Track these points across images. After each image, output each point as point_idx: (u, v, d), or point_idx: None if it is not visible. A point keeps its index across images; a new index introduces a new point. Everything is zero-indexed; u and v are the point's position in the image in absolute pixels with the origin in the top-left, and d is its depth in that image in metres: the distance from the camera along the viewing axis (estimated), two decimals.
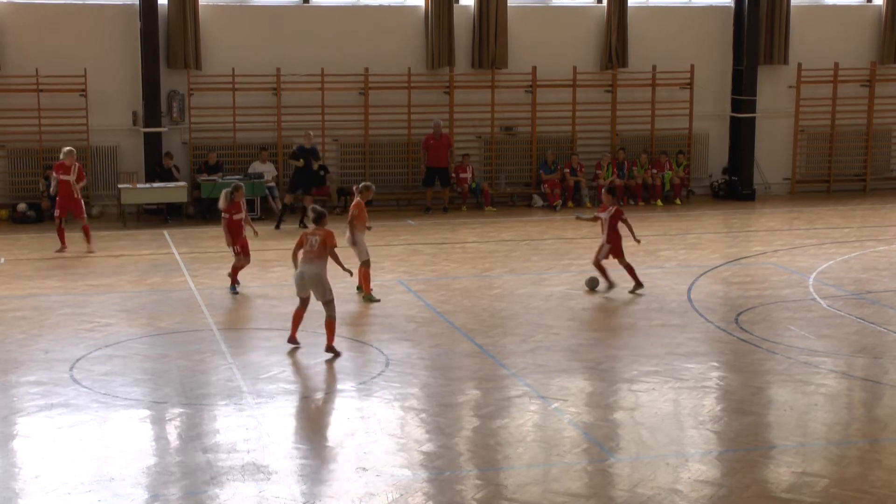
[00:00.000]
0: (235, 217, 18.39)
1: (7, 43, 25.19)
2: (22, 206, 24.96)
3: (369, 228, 18.21)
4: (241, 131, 26.54)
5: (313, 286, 14.97)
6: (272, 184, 26.01)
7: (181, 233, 23.80)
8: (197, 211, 25.82)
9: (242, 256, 18.49)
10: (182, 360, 14.64)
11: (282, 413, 12.72)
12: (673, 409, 12.99)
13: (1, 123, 25.31)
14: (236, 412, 12.65)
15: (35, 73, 25.15)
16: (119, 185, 25.08)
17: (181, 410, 12.81)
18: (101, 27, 25.85)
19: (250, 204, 25.48)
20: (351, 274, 15.89)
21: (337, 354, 14.82)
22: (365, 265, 17.98)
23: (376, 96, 27.15)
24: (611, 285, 18.28)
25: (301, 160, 24.45)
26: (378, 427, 12.28)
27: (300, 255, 15.14)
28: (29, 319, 16.61)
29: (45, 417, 12.47)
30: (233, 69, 26.17)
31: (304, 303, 15.24)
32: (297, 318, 15.27)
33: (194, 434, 12.09)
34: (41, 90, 25.29)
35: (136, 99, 25.92)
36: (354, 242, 18.02)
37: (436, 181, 26.72)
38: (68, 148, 21.91)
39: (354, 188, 18.75)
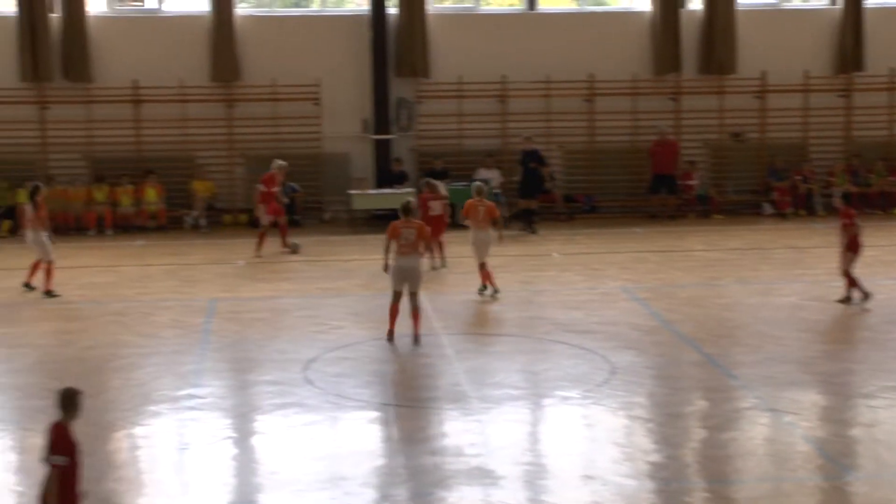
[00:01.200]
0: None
1: (246, 53, 26.17)
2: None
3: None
4: (466, 138, 26.84)
5: (411, 278, 15.37)
6: (498, 190, 26.17)
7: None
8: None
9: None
10: (409, 364, 14.90)
11: (507, 418, 12.78)
12: None
13: (240, 132, 26.32)
14: (462, 416, 12.77)
15: (272, 83, 26.06)
16: (350, 191, 25.71)
17: (409, 413, 13.03)
18: (333, 37, 26.59)
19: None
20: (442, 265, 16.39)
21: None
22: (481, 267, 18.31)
23: (601, 102, 27.02)
24: (866, 296, 17.47)
25: (522, 166, 24.65)
26: (604, 435, 12.21)
27: (393, 248, 15.53)
28: (265, 321, 17.21)
29: (281, 416, 12.88)
30: (459, 77, 26.49)
31: (398, 297, 15.54)
32: (395, 313, 15.56)
33: (422, 437, 12.27)
34: (278, 99, 26.18)
35: (366, 107, 26.54)
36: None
37: (662, 188, 26.40)
38: (282, 162, 22.66)
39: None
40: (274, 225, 22.44)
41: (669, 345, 15.60)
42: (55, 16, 25.68)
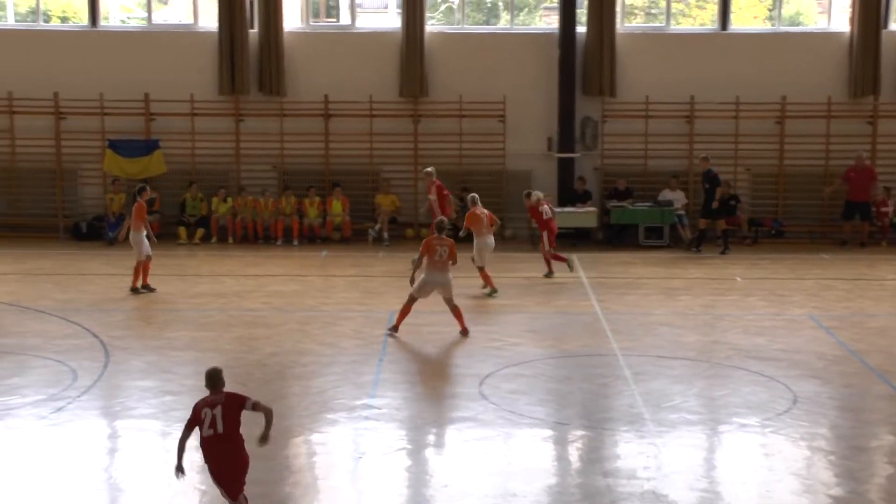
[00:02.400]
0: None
1: (434, 70, 26.50)
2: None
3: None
4: (651, 158, 26.57)
5: (441, 287, 16.86)
6: (682, 212, 25.84)
7: (589, 257, 24.09)
8: (605, 236, 26.06)
9: None
10: (585, 383, 14.80)
11: (683, 443, 12.56)
12: None
13: (424, 147, 26.63)
14: (637, 439, 12.61)
15: (459, 100, 26.31)
16: None
17: (583, 433, 12.94)
18: (521, 55, 26.70)
19: (659, 231, 25.46)
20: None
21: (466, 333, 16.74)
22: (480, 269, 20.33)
23: (793, 125, 26.39)
24: None
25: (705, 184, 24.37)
26: (783, 466, 11.88)
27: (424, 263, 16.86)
28: (443, 335, 17.34)
29: (455, 430, 12.95)
30: (646, 96, 26.26)
31: (414, 301, 17.02)
32: (407, 313, 17.01)
33: (595, 457, 12.17)
34: (463, 116, 26.42)
35: (551, 125, 26.54)
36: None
37: (855, 215, 25.60)
38: (429, 168, 23.39)
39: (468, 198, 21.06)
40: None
41: (856, 376, 15.09)
42: (253, 31, 26.49)
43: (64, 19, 28.66)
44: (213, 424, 10.04)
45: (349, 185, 26.49)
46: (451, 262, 17.02)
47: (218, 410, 10.05)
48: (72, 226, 26.52)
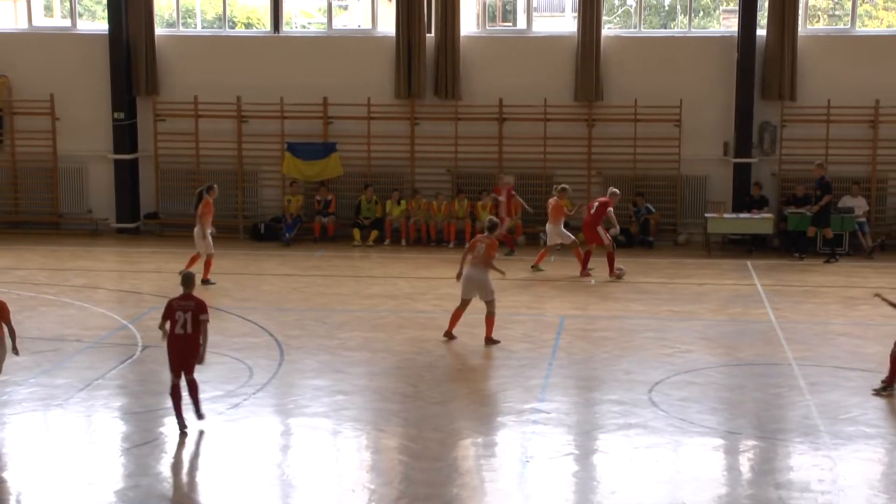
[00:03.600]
0: None
1: (609, 74, 26.32)
2: (613, 231, 25.93)
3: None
4: (833, 164, 25.83)
5: (479, 288, 16.75)
6: (863, 219, 25.09)
7: (765, 264, 23.60)
8: (782, 243, 25.48)
9: None
10: (758, 393, 14.52)
11: (860, 457, 12.22)
12: None
13: (599, 151, 26.50)
14: (812, 451, 12.33)
15: (634, 104, 26.11)
16: (706, 214, 25.35)
17: (755, 443, 12.71)
18: (697, 59, 26.30)
19: (840, 239, 24.77)
20: (504, 274, 17.46)
21: (495, 342, 16.67)
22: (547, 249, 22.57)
23: None
24: None
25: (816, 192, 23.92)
26: None
27: (469, 258, 17.00)
28: (613, 340, 17.25)
29: (623, 436, 12.87)
30: (828, 101, 25.58)
31: (465, 304, 16.99)
32: (457, 317, 17.07)
33: (767, 469, 11.94)
34: (639, 120, 26.20)
35: (727, 129, 26.10)
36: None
37: None
38: (507, 177, 24.46)
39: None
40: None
41: None
42: (430, 36, 26.79)
43: (248, 25, 29.52)
44: (184, 325, 12.66)
45: (523, 189, 26.51)
46: (488, 260, 16.83)
47: (189, 315, 12.66)
48: (251, 226, 27.26)
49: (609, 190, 22.99)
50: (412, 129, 27.07)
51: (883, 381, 14.41)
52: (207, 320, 12.83)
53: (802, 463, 12.02)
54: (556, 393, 14.56)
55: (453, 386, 14.96)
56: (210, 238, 21.22)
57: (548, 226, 22.83)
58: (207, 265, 21.14)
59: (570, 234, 22.75)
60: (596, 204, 22.49)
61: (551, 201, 22.80)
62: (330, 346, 16.77)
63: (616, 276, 21.97)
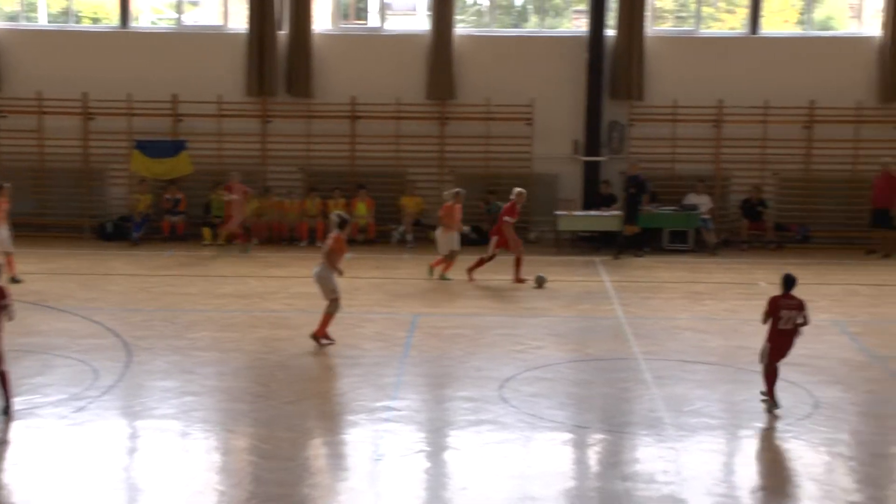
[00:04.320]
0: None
1: (462, 72, 26.51)
2: (465, 228, 26.07)
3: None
4: (678, 162, 26.49)
5: (320, 284, 16.56)
6: (707, 216, 25.75)
7: (613, 261, 24.03)
8: (630, 240, 25.94)
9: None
10: (606, 388, 14.77)
11: (703, 448, 12.52)
12: None
13: (451, 150, 26.67)
14: (657, 443, 12.58)
15: (486, 103, 26.31)
16: (556, 212, 25.71)
17: (602, 437, 12.91)
18: (549, 58, 26.67)
19: (684, 235, 25.38)
20: (341, 273, 16.70)
21: (326, 342, 16.44)
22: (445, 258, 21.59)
23: (821, 130, 26.25)
24: None
25: (625, 191, 24.52)
26: (803, 471, 11.84)
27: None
28: (466, 337, 17.35)
29: (474, 432, 12.95)
30: (674, 100, 26.19)
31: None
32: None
33: (614, 461, 12.15)
34: (490, 119, 26.42)
35: (577, 128, 26.51)
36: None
37: (880, 223, 25.33)
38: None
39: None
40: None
41: (879, 382, 15.02)
42: (282, 33, 26.58)
43: (95, 20, 28.85)
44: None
45: (374, 187, 26.55)
46: (332, 257, 16.44)
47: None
48: (97, 226, 26.67)
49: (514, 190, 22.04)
50: (264, 127, 26.83)
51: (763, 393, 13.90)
52: (5, 306, 12.96)
53: (648, 455, 12.26)
54: (409, 391, 14.58)
55: (305, 385, 14.87)
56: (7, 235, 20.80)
57: (437, 231, 22.02)
58: (9, 263, 20.57)
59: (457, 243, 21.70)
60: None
61: (444, 206, 21.88)
62: (179, 347, 16.50)
63: (521, 281, 21.48)
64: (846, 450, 12.49)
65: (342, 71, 26.66)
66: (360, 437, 12.91)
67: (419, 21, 28.47)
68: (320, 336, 16.51)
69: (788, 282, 13.68)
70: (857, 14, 27.21)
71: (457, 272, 21.75)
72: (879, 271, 23.21)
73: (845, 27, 28.06)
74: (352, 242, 25.53)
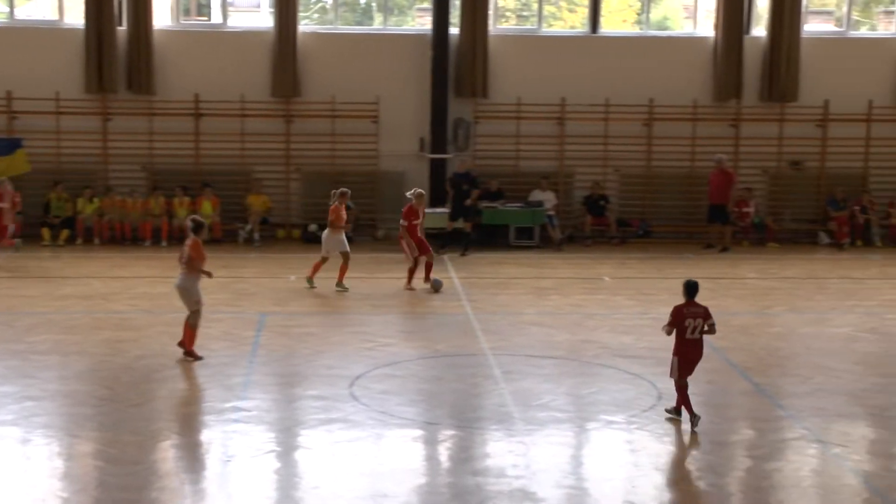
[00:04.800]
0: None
1: (307, 70, 26.38)
2: (313, 227, 26.02)
3: None
4: (523, 159, 26.84)
5: (181, 296, 15.72)
6: (552, 212, 26.15)
7: (460, 258, 24.23)
8: (477, 237, 26.20)
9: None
10: (456, 383, 14.88)
11: (551, 441, 12.71)
12: None
13: (297, 147, 26.52)
14: (506, 437, 12.73)
15: (332, 100, 26.24)
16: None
17: (453, 433, 13.00)
18: (394, 56, 26.73)
19: (530, 232, 25.75)
20: (210, 275, 15.85)
21: (194, 358, 15.52)
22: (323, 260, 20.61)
23: (660, 128, 26.91)
24: None
25: (453, 188, 24.79)
26: (647, 462, 12.11)
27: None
28: (315, 336, 17.28)
29: (325, 431, 12.91)
30: (518, 98, 26.52)
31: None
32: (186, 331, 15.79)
33: (464, 457, 12.25)
34: (336, 116, 26.35)
35: (423, 126, 26.63)
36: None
37: (717, 218, 26.07)
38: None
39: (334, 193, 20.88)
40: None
41: (719, 372, 15.45)
42: (122, 29, 26.03)
43: None
44: None
45: (220, 186, 26.23)
46: (192, 264, 15.55)
47: None
48: None
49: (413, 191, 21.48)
50: (104, 124, 26.25)
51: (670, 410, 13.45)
52: None
53: (498, 450, 12.40)
54: (258, 390, 14.45)
55: (151, 387, 14.60)
56: None
57: (325, 233, 20.86)
58: None
59: (346, 244, 20.68)
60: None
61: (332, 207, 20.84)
62: (18, 351, 16.03)
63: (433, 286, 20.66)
64: (688, 439, 12.84)
65: (185, 68, 26.26)
66: (209, 439, 12.76)
67: (262, 18, 28.21)
68: (189, 351, 15.70)
69: (691, 288, 13.14)
70: (692, 15, 27.97)
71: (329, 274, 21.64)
72: (718, 265, 23.91)
73: (680, 28, 28.83)
74: None
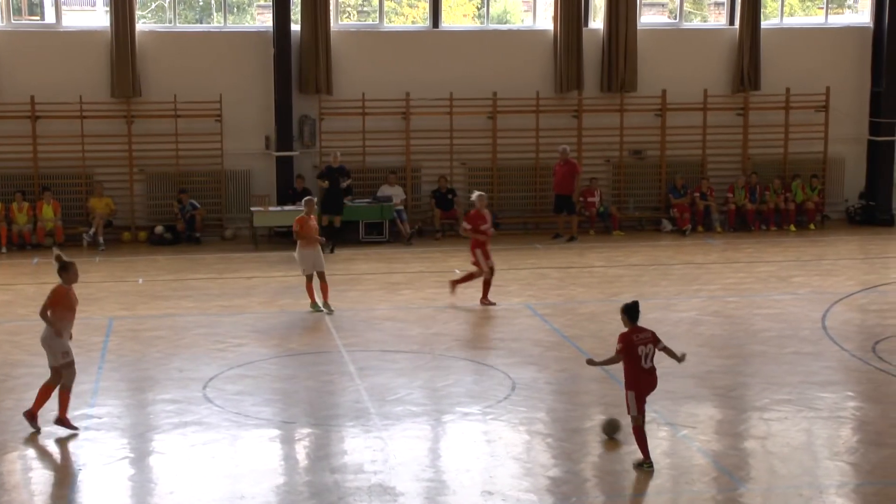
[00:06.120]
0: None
1: (147, 70, 25.89)
2: (159, 229, 25.58)
3: None
4: (370, 155, 26.83)
5: (48, 349, 12.88)
6: (400, 207, 26.21)
7: (329, 255, 24.07)
8: (327, 234, 26.11)
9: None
10: (311, 381, 14.83)
11: (408, 435, 12.78)
12: (806, 440, 12.71)
13: (140, 148, 26.01)
14: (363, 433, 12.75)
15: (173, 100, 25.81)
16: (251, 208, 25.54)
17: (309, 431, 12.97)
18: (235, 54, 26.42)
19: (379, 227, 25.78)
20: (62, 335, 12.86)
21: (66, 428, 12.68)
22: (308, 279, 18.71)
23: (504, 120, 27.21)
24: None
25: (327, 181, 24.77)
26: (504, 451, 12.27)
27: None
28: (165, 339, 17.01)
29: (180, 435, 12.74)
30: (363, 94, 26.49)
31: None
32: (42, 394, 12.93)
33: (322, 455, 12.22)
34: (179, 116, 25.93)
35: (268, 124, 26.40)
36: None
37: (563, 209, 26.48)
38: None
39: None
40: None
41: (570, 360, 15.72)
42: None
43: None
44: None
45: (60, 189, 25.56)
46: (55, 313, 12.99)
47: None
48: None
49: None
50: None
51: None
52: None
53: (355, 446, 12.41)
54: (108, 396, 14.17)
55: None
56: None
57: (296, 250, 18.94)
58: None
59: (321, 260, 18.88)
60: None
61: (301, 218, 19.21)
62: None
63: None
64: (543, 427, 13.05)
65: (19, 69, 25.48)
66: (58, 448, 12.44)
67: (98, 17, 27.56)
68: (64, 420, 12.81)
69: (633, 311, 11.73)
70: (531, 8, 28.32)
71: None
72: (565, 254, 24.30)
73: (520, 21, 29.18)
74: (39, 247, 24.57)
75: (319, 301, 18.67)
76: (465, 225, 19.31)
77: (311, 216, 19.07)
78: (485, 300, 19.07)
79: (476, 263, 19.19)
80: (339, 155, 25.25)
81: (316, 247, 18.85)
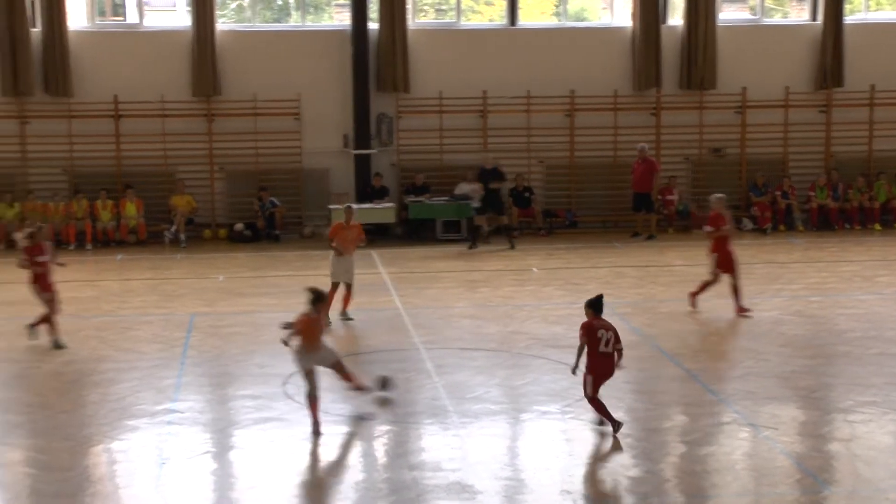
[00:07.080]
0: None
1: (226, 68, 26.17)
2: (239, 226, 25.85)
3: None
4: (447, 153, 26.87)
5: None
6: (478, 205, 26.18)
7: (389, 253, 24.22)
8: (405, 231, 26.24)
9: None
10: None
11: (487, 433, 12.75)
12: (892, 442, 12.45)
13: (220, 146, 26.31)
14: (442, 431, 12.74)
15: (253, 98, 26.05)
16: (330, 206, 25.69)
17: (388, 428, 12.99)
18: (314, 52, 26.62)
19: (455, 225, 25.80)
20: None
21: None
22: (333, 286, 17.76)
23: (582, 118, 27.09)
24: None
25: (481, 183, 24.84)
26: (582, 450, 12.20)
27: None
28: (245, 335, 17.17)
29: (259, 430, 12.83)
30: (440, 92, 26.53)
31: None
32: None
33: (401, 452, 12.25)
34: (258, 114, 26.17)
35: (346, 122, 26.55)
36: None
37: (641, 207, 26.30)
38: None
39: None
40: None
41: (649, 360, 15.60)
42: (35, 30, 25.63)
43: None
44: None
45: (143, 187, 25.95)
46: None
47: None
48: None
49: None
50: (22, 128, 25.83)
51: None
52: None
53: (433, 443, 12.41)
54: (190, 392, 14.33)
55: (82, 392, 14.41)
56: None
57: (333, 258, 18.07)
58: None
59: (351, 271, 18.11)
60: None
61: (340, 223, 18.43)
62: None
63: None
64: (623, 427, 12.93)
65: (102, 69, 25.92)
66: (142, 442, 12.60)
67: (179, 17, 27.93)
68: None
69: (597, 305, 12.48)
70: (609, 6, 28.18)
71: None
72: (645, 253, 24.14)
73: (598, 18, 29.04)
74: (123, 244, 24.94)
75: (336, 310, 17.87)
76: (707, 228, 18.65)
77: (350, 224, 18.05)
78: (692, 301, 18.35)
79: (719, 266, 18.25)
80: (491, 157, 25.16)
81: (350, 256, 18.01)
